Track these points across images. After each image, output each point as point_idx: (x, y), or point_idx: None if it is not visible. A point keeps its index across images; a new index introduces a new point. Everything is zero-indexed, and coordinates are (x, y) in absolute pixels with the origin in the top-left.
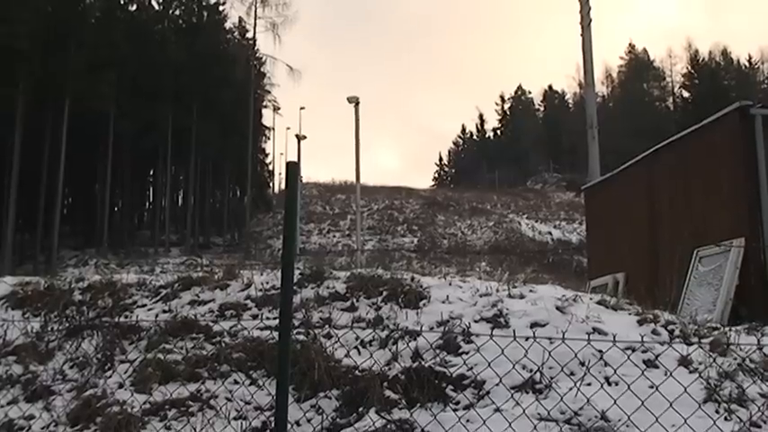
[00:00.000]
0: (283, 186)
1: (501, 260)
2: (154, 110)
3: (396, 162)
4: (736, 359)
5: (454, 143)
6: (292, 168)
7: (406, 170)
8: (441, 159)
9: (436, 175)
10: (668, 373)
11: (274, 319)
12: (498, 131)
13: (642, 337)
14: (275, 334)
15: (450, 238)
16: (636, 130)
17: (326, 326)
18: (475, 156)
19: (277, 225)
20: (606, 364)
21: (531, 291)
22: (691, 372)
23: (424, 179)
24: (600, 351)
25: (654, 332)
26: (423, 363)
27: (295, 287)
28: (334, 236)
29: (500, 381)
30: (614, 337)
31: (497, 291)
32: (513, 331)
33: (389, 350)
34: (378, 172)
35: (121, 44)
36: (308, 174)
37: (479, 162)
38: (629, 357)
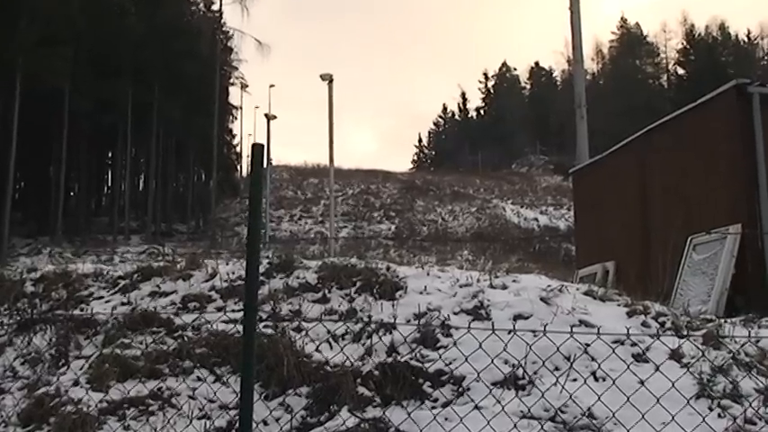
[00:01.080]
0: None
1: (484, 248)
2: (112, 86)
3: (372, 144)
4: (730, 353)
5: (435, 124)
6: (258, 150)
7: (384, 152)
8: (420, 141)
9: (415, 158)
10: (657, 368)
11: (240, 311)
12: (482, 111)
13: (628, 330)
14: (241, 327)
15: (429, 225)
16: (627, 109)
17: (296, 318)
18: (457, 137)
19: (245, 211)
20: (592, 359)
21: (514, 281)
22: (682, 366)
23: (402, 162)
24: (586, 344)
25: (644, 324)
26: (398, 358)
27: (262, 277)
28: (306, 223)
29: (478, 376)
30: (598, 329)
31: (479, 281)
32: (492, 324)
33: (363, 344)
34: (353, 154)
35: (77, 16)
36: (279, 156)
37: (461, 144)
38: (614, 351)
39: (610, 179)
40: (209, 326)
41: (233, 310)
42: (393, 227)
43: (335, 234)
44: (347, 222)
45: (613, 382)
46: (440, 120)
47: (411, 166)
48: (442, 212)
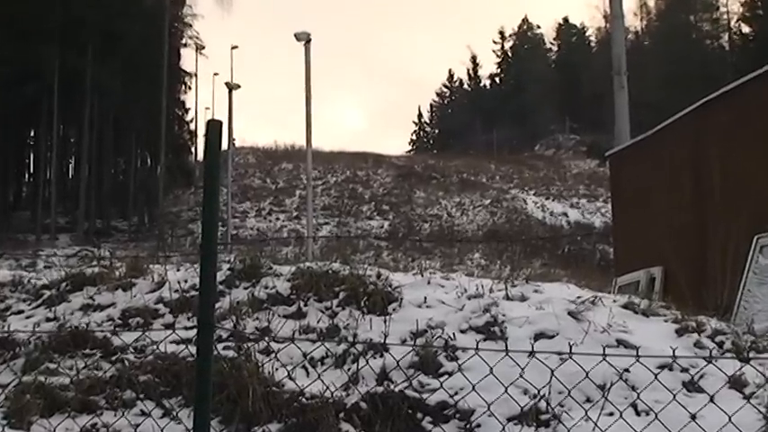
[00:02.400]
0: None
1: (500, 251)
2: (35, 50)
3: (361, 121)
4: None
5: (438, 95)
6: (216, 128)
7: (375, 131)
8: (420, 117)
9: (414, 138)
10: (711, 398)
11: (194, 328)
12: (497, 79)
13: (674, 351)
14: (195, 349)
15: (432, 222)
16: (679, 76)
17: (264, 338)
18: (466, 111)
19: (200, 204)
20: (632, 388)
21: (536, 291)
22: (744, 397)
23: (397, 143)
24: (624, 370)
25: (697, 345)
26: (391, 386)
27: (222, 287)
28: (278, 219)
29: (489, 409)
30: (637, 350)
31: (492, 291)
32: (507, 344)
33: (347, 370)
34: (337, 133)
35: None
36: (243, 135)
37: (472, 120)
38: (656, 377)
39: (656, 165)
40: (156, 347)
41: (185, 328)
42: (386, 224)
43: (314, 233)
44: (329, 218)
45: (656, 417)
46: (444, 90)
47: (409, 147)
48: (448, 206)
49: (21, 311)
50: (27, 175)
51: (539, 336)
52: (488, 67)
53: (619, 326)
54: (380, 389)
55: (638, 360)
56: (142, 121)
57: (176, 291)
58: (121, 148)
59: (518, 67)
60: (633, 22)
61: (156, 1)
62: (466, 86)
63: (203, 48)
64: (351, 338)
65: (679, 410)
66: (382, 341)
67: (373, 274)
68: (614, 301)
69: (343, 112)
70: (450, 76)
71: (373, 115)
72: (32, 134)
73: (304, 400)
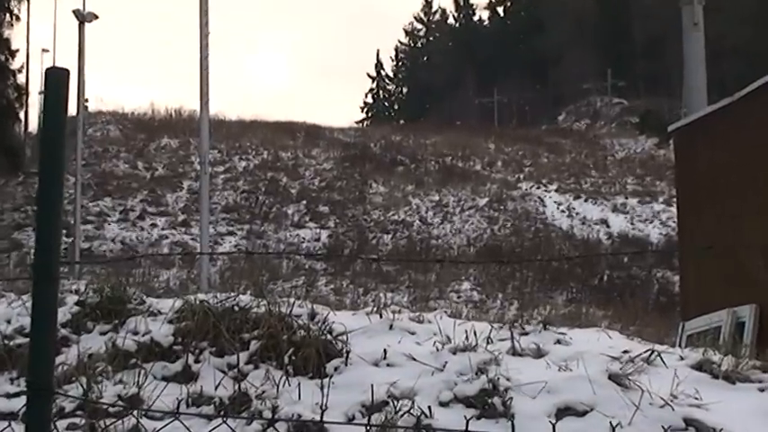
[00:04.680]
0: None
1: (502, 278)
2: None
3: (288, 75)
4: None
5: (408, 34)
6: (58, 81)
7: (309, 90)
8: (379, 68)
9: (369, 101)
10: None
11: (21, 395)
12: (500, 10)
13: None
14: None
15: (397, 232)
16: None
17: (132, 412)
18: (451, 61)
19: (34, 201)
20: None
21: (559, 342)
22: None
23: (343, 108)
24: None
25: None
26: None
27: (66, 331)
28: (155, 225)
29: None
30: None
31: (490, 341)
32: (512, 426)
33: None
34: (252, 94)
35: None
36: (102, 94)
37: (461, 74)
38: None
39: (750, 145)
40: None
41: (7, 395)
42: (324, 235)
43: (211, 247)
44: (235, 225)
45: None
46: (418, 27)
47: (361, 116)
48: (422, 207)
49: None
50: None
51: (563, 412)
52: None
53: (688, 397)
54: None
55: None
56: None
57: None
58: None
59: None
60: None
61: None
62: (451, 21)
63: None
64: (268, 413)
65: None
66: (317, 418)
67: (304, 314)
68: (681, 358)
69: (262, 64)
70: (428, 3)
71: (306, 67)
72: None
73: None
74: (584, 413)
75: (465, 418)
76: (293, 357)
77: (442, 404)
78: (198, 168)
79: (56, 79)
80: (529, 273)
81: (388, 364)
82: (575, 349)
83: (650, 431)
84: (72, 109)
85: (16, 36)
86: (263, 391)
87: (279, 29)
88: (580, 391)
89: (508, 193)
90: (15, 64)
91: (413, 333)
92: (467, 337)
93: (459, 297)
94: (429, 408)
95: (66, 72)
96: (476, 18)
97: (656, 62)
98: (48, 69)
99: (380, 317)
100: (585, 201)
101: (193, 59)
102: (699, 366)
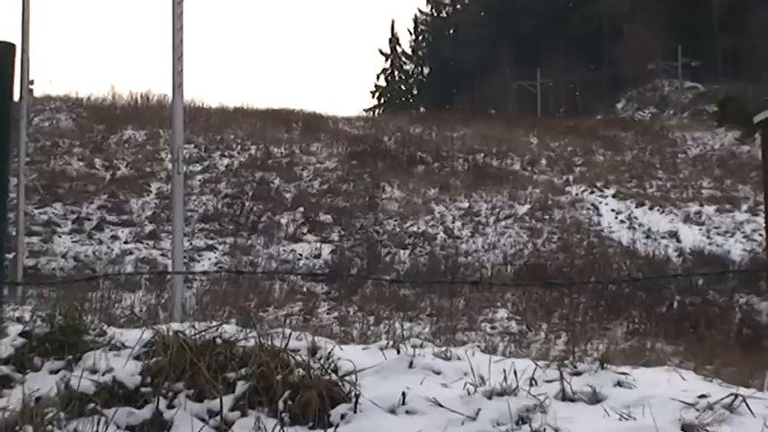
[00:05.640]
0: None
1: (547, 305)
2: None
3: (280, 51)
4: None
5: (430, 1)
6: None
7: (306, 72)
8: (395, 44)
9: (382, 84)
10: None
11: None
12: None
13: None
14: None
15: (417, 245)
16: None
17: None
18: (483, 35)
19: None
20: None
21: (619, 384)
22: None
23: (350, 94)
24: None
25: None
26: None
27: (10, 369)
28: (117, 237)
29: None
30: None
31: (534, 383)
32: None
33: None
34: (235, 76)
35: None
36: (52, 75)
37: (494, 50)
38: None
39: None
40: None
41: None
42: (327, 250)
43: (187, 266)
44: (216, 237)
45: None
46: None
47: (372, 102)
48: (448, 216)
49: None
50: None
51: None
52: None
53: None
54: None
55: None
56: None
57: None
58: None
59: None
60: None
61: None
62: None
63: None
64: None
65: None
66: None
67: (303, 348)
68: None
69: (248, 37)
70: None
71: (305, 39)
72: None
73: None
74: None
75: None
76: (290, 402)
77: None
78: (169, 167)
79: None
80: (580, 298)
81: (407, 411)
82: (639, 393)
83: None
84: (16, 92)
85: None
86: None
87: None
88: None
89: (554, 198)
90: None
91: (438, 372)
92: (505, 378)
93: (493, 328)
94: None
95: (11, 47)
96: None
97: (739, 36)
98: None
99: (397, 352)
100: (651, 209)
101: (165, 32)
102: None
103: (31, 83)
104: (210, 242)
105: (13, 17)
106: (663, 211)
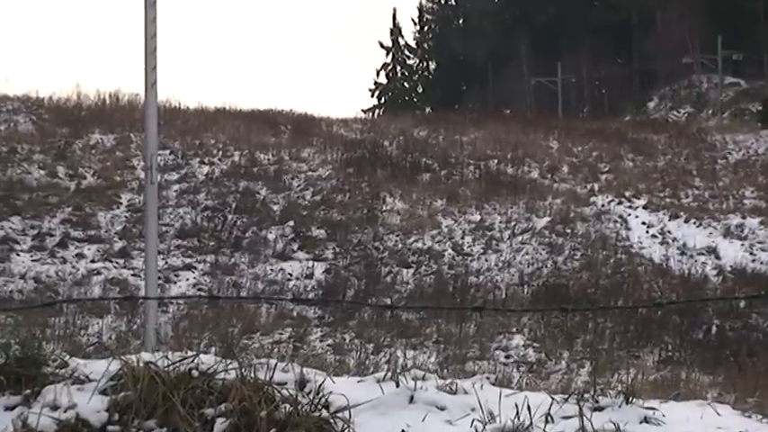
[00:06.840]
0: None
1: (568, 331)
2: None
3: (267, 46)
4: None
5: None
6: None
7: (296, 69)
8: (397, 35)
9: (382, 81)
10: None
11: None
12: None
13: None
14: None
15: (421, 263)
16: None
17: None
18: (497, 26)
19: None
20: None
21: (646, 419)
22: None
23: (346, 93)
24: None
25: None
26: None
27: None
28: (83, 255)
29: None
30: None
31: (551, 419)
32: None
33: None
34: (216, 73)
35: None
36: (8, 72)
37: (510, 43)
38: None
39: None
40: None
41: None
42: (319, 269)
43: (162, 287)
44: (195, 255)
45: None
46: None
47: (371, 102)
48: (456, 231)
49: None
50: None
51: None
52: None
53: None
54: None
55: None
56: None
57: None
58: None
59: None
60: None
61: None
62: None
63: None
64: None
65: None
66: None
67: (290, 381)
68: None
69: (231, 29)
70: None
71: (296, 31)
72: None
73: None
74: None
75: None
76: None
77: None
78: (142, 176)
79: None
80: (606, 323)
81: None
82: (668, 431)
83: None
84: None
85: None
86: None
87: None
88: None
89: (577, 210)
90: None
91: (442, 408)
92: (517, 414)
93: (508, 357)
94: None
95: None
96: None
97: None
98: None
99: (397, 385)
100: (686, 221)
101: (136, 24)
102: None
103: None
104: (188, 261)
105: None
106: (700, 225)
